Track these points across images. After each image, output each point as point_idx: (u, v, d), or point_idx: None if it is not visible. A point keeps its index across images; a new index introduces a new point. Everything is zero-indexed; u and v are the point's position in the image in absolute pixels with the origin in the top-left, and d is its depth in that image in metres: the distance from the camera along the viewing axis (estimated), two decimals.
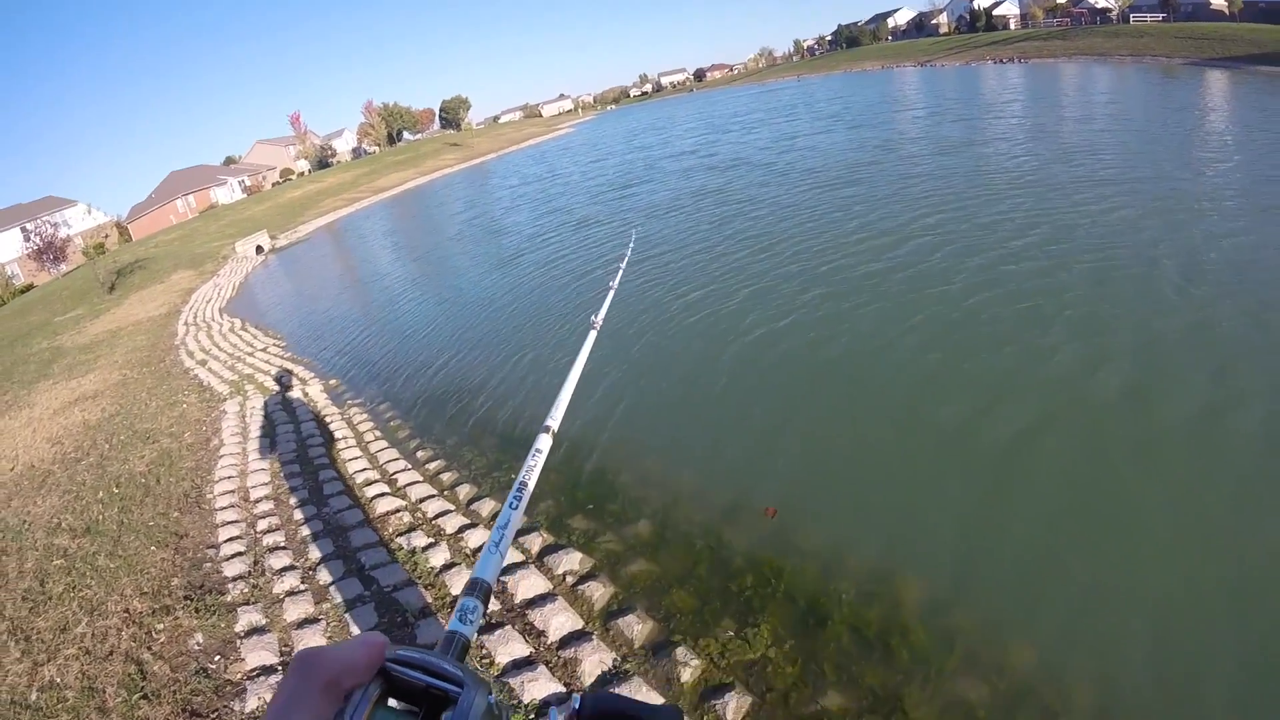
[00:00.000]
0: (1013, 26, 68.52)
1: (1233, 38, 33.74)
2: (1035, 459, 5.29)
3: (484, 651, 4.17)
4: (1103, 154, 14.52)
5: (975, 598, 4.16)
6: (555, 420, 1.32)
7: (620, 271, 2.43)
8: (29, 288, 42.32)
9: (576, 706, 0.66)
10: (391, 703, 0.51)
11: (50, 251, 41.10)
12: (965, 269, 9.00)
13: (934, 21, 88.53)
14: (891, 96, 37.87)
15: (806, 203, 14.87)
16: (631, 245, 2.77)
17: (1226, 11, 42.64)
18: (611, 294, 2.12)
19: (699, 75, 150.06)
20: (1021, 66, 43.04)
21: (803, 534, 4.98)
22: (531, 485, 1.05)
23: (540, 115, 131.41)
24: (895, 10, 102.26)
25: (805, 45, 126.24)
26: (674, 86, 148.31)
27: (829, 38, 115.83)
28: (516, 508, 0.98)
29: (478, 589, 0.80)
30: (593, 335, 1.74)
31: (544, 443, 1.21)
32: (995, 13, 72.89)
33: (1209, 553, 4.18)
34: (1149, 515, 4.54)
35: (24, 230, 43.78)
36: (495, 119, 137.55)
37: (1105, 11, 56.87)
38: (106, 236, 49.23)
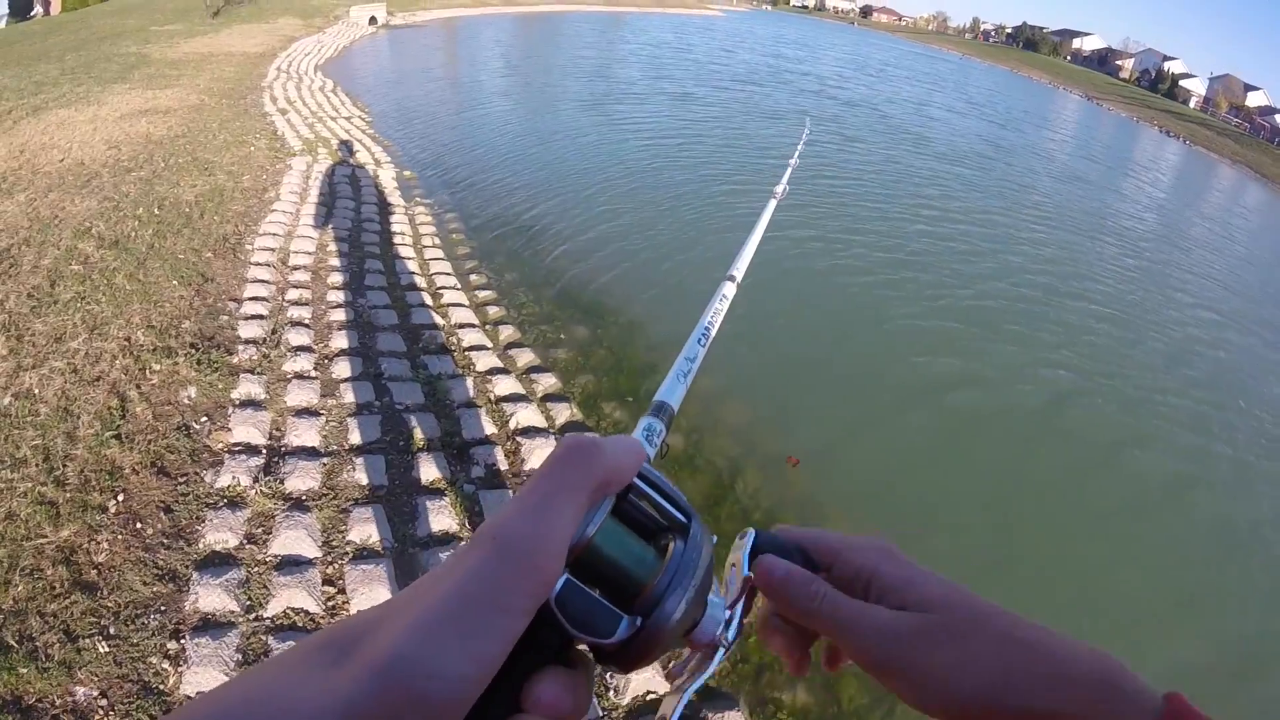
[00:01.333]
0: (1192, 105, 64.58)
1: None
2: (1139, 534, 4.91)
3: (476, 507, 3.79)
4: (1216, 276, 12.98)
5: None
6: (740, 271, 1.28)
7: (799, 149, 2.31)
8: None
9: (752, 539, 0.55)
10: None
11: None
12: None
13: (1118, 62, 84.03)
14: (1055, 119, 35.53)
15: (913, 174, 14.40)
16: (808, 129, 2.47)
17: None
18: (791, 168, 2.02)
19: (865, 11, 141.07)
20: (1183, 147, 39.53)
21: (836, 513, 4.63)
22: (716, 327, 1.04)
23: None
24: (1086, 35, 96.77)
25: (984, 27, 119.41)
26: (836, 11, 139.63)
27: (1009, 30, 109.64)
28: (704, 344, 0.95)
29: (663, 412, 0.77)
30: (772, 204, 1.68)
31: (729, 289, 1.19)
32: (1181, 83, 68.72)
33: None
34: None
35: None
36: None
37: None
38: None
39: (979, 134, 22.43)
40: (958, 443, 5.78)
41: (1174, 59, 79.46)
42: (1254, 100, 65.37)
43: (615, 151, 12.52)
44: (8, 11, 51.70)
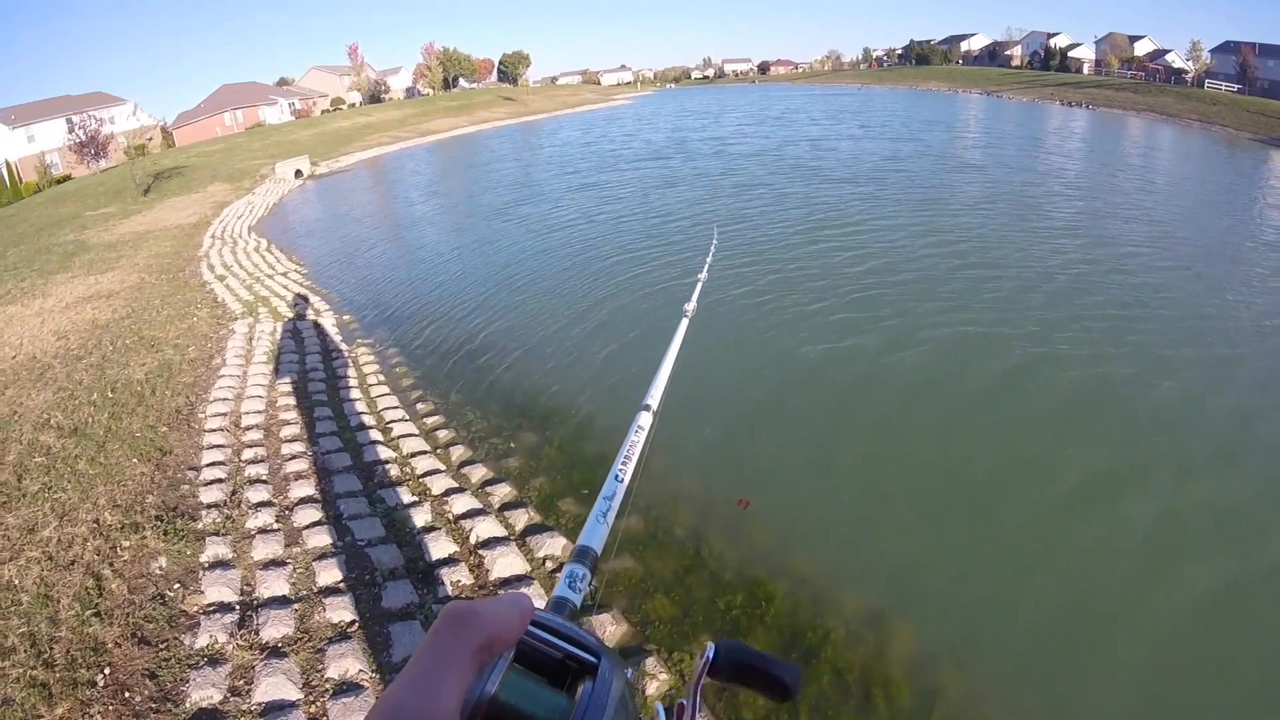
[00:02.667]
0: (1086, 71, 67.51)
1: None
2: (1067, 538, 5.05)
3: None
4: (1154, 214, 14.39)
5: (966, 663, 3.98)
6: (655, 399, 1.30)
7: (708, 263, 2.40)
8: (66, 179, 42.50)
9: (711, 655, 0.63)
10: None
11: (92, 146, 41.13)
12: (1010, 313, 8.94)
13: (1007, 53, 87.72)
14: (958, 121, 37.42)
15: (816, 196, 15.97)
16: (716, 240, 2.71)
17: None
18: (700, 284, 2.10)
19: (763, 68, 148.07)
20: (1088, 113, 41.94)
21: (803, 560, 4.82)
22: (634, 460, 1.06)
23: (598, 83, 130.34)
24: (971, 35, 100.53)
25: (875, 55, 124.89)
26: (736, 75, 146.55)
27: (899, 51, 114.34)
28: (622, 480, 1.00)
29: (586, 557, 0.80)
30: (684, 323, 1.71)
31: (645, 420, 1.20)
32: (1070, 54, 71.86)
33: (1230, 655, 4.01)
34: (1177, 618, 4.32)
35: (69, 122, 43.89)
36: (553, 79, 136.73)
37: (1181, 73, 55.96)
38: (150, 139, 49.18)
39: (883, 154, 23.87)
40: (903, 461, 6.04)
41: (1057, 34, 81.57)
42: (1141, 49, 67.34)
43: (539, 256, 13.25)
44: None
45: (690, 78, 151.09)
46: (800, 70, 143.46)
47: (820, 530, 5.22)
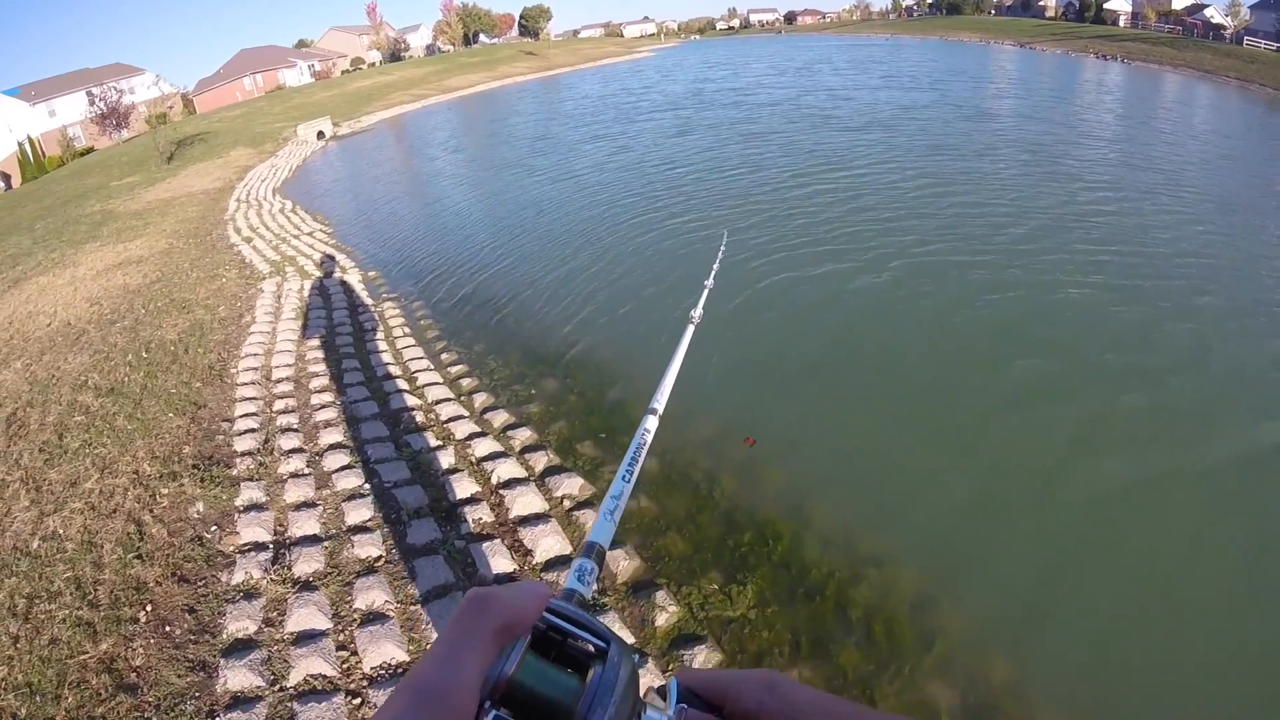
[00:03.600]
0: (1122, 23, 65.14)
1: None
2: (1073, 484, 5.01)
3: (469, 560, 4.20)
4: (1190, 173, 13.64)
5: (968, 603, 4.03)
6: (660, 403, 1.31)
7: (714, 270, 2.33)
8: (89, 151, 43.08)
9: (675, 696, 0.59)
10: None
11: (114, 117, 41.64)
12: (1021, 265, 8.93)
13: (1041, 3, 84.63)
14: (986, 72, 36.12)
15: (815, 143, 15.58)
16: (723, 247, 2.70)
17: None
18: (707, 291, 2.07)
19: (789, 18, 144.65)
20: (1124, 67, 40.21)
21: (813, 503, 4.88)
22: (640, 461, 1.09)
23: (621, 35, 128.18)
24: None
25: (905, 3, 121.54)
26: (762, 25, 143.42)
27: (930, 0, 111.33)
28: (629, 480, 1.02)
29: (593, 551, 0.82)
30: (690, 329, 1.69)
31: (651, 423, 1.22)
32: (1106, 6, 69.38)
33: (1244, 607, 4.01)
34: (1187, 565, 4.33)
35: (90, 94, 44.31)
36: (575, 33, 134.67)
37: (1219, 28, 53.69)
38: (171, 107, 49.59)
39: (901, 103, 23.54)
40: (916, 410, 6.03)
41: None
42: (1179, 2, 65.45)
43: (558, 209, 13.28)
44: None
45: (715, 28, 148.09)
46: (828, 20, 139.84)
47: (827, 471, 5.29)
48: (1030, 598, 4.10)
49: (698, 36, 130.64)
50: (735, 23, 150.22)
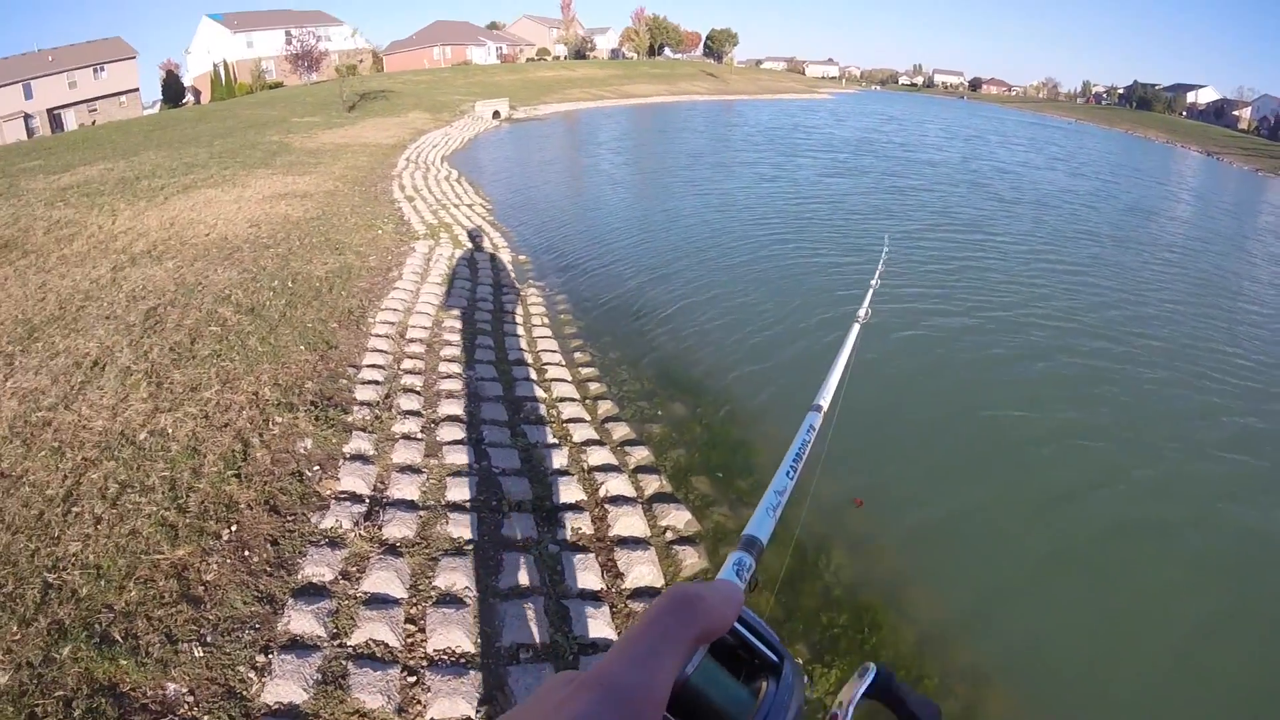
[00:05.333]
0: None
1: None
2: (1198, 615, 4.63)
3: (558, 567, 4.04)
4: None
5: None
6: (825, 400, 1.38)
7: (879, 270, 2.41)
8: (278, 85, 46.08)
9: (872, 677, 0.60)
10: None
11: (306, 59, 44.38)
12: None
13: (1235, 112, 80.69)
14: (1167, 175, 34.00)
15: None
16: (887, 248, 2.64)
17: None
18: (872, 291, 2.13)
19: (974, 84, 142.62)
20: None
21: (920, 597, 4.63)
22: (804, 457, 1.10)
23: (803, 73, 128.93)
24: (1199, 87, 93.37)
25: (1095, 90, 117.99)
26: (946, 87, 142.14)
27: (1120, 91, 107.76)
28: (793, 478, 1.01)
29: (754, 547, 0.81)
30: (856, 328, 1.76)
31: (815, 420, 1.25)
32: None
33: None
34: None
35: (288, 34, 47.49)
36: (757, 63, 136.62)
37: None
38: (361, 61, 52.54)
39: (1062, 185, 22.97)
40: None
41: None
42: None
43: (718, 235, 13.16)
44: (161, 97, 57.61)
45: (897, 82, 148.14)
46: (1013, 93, 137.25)
47: (942, 563, 5.03)
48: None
49: (878, 88, 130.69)
50: (919, 80, 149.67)
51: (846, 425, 5.27)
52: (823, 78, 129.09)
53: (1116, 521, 5.49)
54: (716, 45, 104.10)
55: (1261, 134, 70.07)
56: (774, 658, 0.50)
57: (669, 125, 35.20)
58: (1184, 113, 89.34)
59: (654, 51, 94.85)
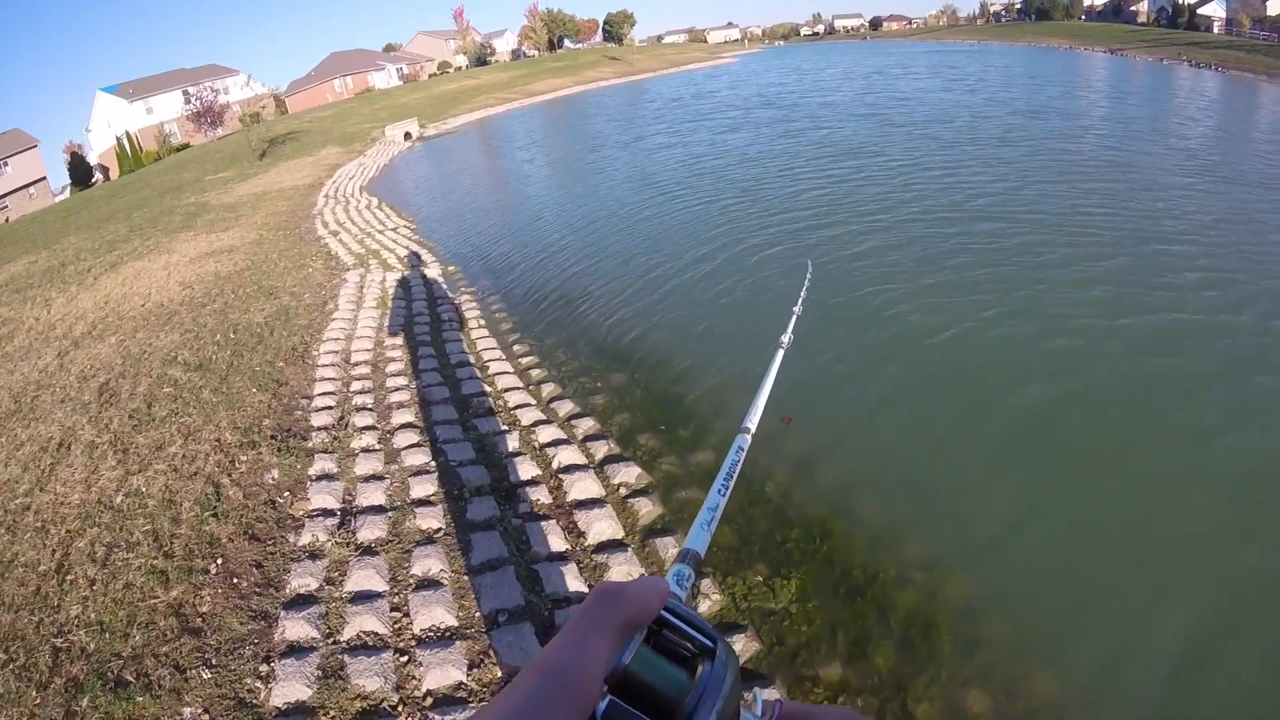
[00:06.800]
0: (1216, 30, 62.37)
1: None
2: (1144, 501, 4.74)
3: (523, 537, 4.35)
4: None
5: (1014, 615, 3.91)
6: (753, 423, 1.38)
7: (802, 297, 2.36)
8: (185, 147, 45.37)
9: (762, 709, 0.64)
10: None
11: (208, 115, 43.80)
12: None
13: (1133, 8, 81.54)
14: (1073, 79, 34.33)
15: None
16: (810, 273, 2.66)
17: None
18: (795, 317, 2.10)
19: (874, 24, 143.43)
20: (1219, 75, 38.16)
21: (866, 502, 4.85)
22: (735, 477, 1.14)
23: (705, 41, 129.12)
24: None
25: (992, 9, 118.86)
26: (847, 31, 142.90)
27: (1018, 5, 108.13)
28: (724, 494, 1.06)
29: (688, 558, 0.85)
30: (780, 354, 1.72)
31: (744, 442, 1.28)
32: (1199, 11, 66.63)
33: None
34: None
35: (185, 93, 46.85)
36: (658, 38, 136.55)
37: None
38: (264, 107, 51.74)
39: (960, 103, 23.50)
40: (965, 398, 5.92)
41: None
42: (1274, 8, 62.18)
43: (628, 209, 13.49)
44: (70, 180, 56.47)
45: (799, 34, 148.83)
46: (914, 26, 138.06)
47: (884, 471, 5.22)
48: (1081, 615, 3.92)
49: (781, 42, 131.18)
50: (819, 28, 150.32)
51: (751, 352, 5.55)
52: (725, 42, 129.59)
53: (1044, 402, 5.67)
54: (615, 28, 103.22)
55: (1161, 24, 70.89)
56: (708, 642, 0.53)
57: (577, 115, 35.29)
58: (1083, 16, 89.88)
59: (554, 45, 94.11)
